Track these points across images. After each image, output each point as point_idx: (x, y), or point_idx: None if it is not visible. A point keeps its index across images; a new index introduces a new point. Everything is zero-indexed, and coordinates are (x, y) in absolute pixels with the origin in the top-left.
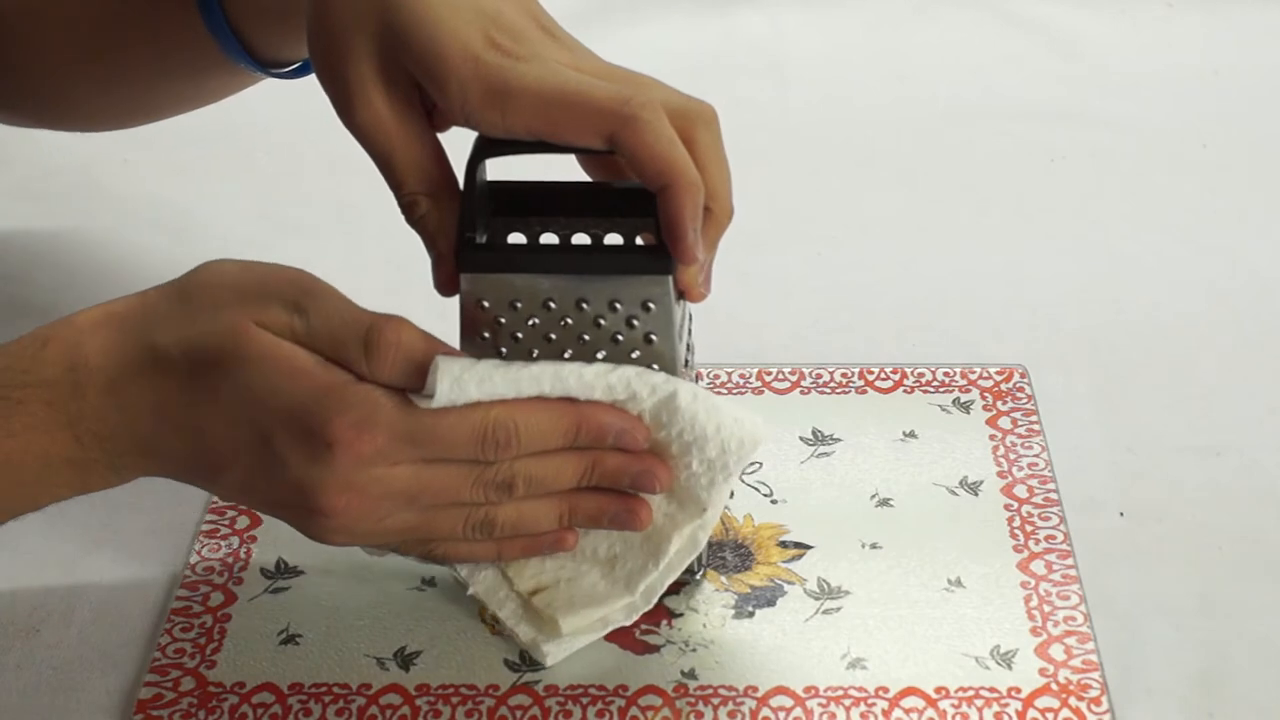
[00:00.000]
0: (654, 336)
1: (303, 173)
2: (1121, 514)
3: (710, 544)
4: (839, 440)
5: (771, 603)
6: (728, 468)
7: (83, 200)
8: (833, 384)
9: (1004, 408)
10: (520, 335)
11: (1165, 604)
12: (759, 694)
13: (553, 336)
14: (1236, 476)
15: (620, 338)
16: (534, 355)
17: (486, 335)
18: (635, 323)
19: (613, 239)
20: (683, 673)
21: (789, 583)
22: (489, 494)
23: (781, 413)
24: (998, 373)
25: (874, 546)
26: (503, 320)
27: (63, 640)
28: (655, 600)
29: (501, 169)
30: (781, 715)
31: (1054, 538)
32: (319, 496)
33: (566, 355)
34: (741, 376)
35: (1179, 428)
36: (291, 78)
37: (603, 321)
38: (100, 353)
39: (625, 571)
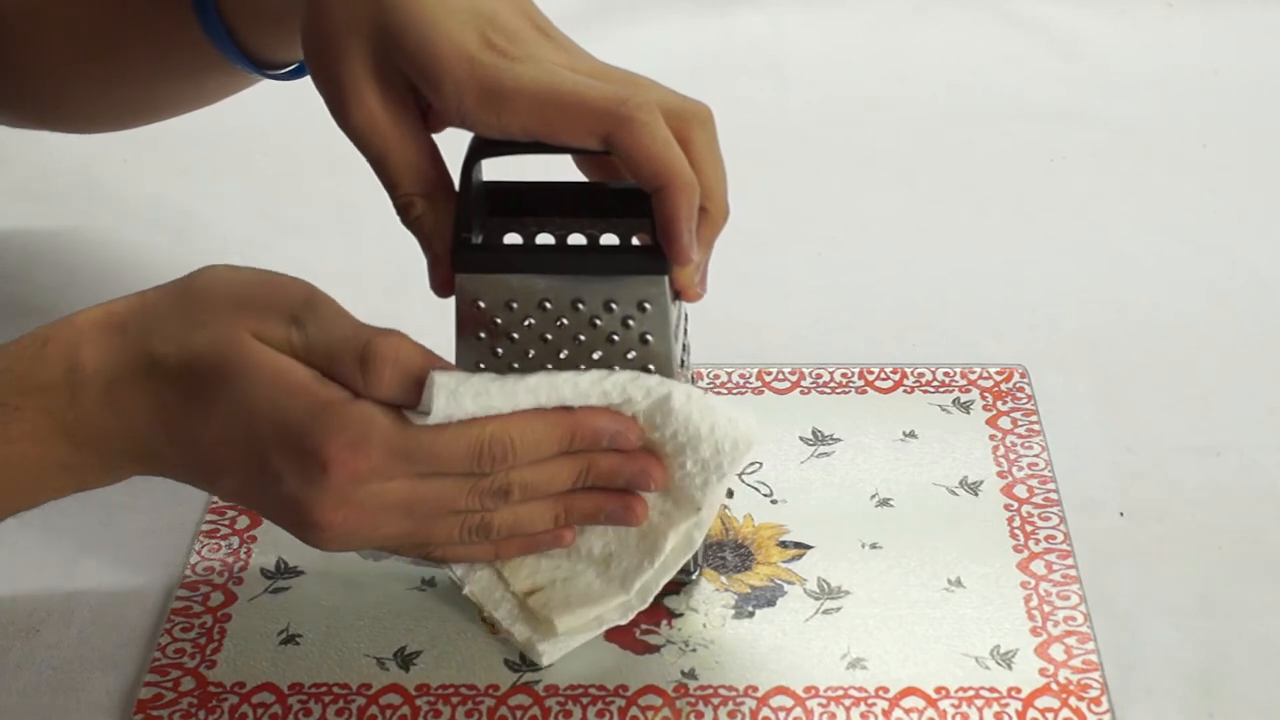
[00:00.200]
0: (650, 336)
1: (303, 173)
2: (1121, 514)
3: (710, 544)
4: (839, 440)
5: (771, 603)
6: (721, 468)
7: (83, 200)
8: (833, 384)
9: (1004, 408)
10: (516, 335)
11: (1165, 604)
12: (759, 694)
13: (549, 337)
14: (1236, 476)
15: (616, 338)
16: (530, 356)
17: (483, 335)
18: (631, 323)
19: (609, 239)
20: (683, 673)
21: (789, 583)
22: (485, 502)
23: (781, 413)
24: (998, 373)
25: (874, 546)
26: (499, 320)
27: (63, 640)
28: (650, 599)
29: (497, 169)
30: (781, 715)
31: (1054, 538)
32: (314, 512)
33: (563, 355)
34: (741, 376)
35: (1179, 428)
36: (288, 79)
37: (599, 322)
38: (98, 356)
39: (620, 570)
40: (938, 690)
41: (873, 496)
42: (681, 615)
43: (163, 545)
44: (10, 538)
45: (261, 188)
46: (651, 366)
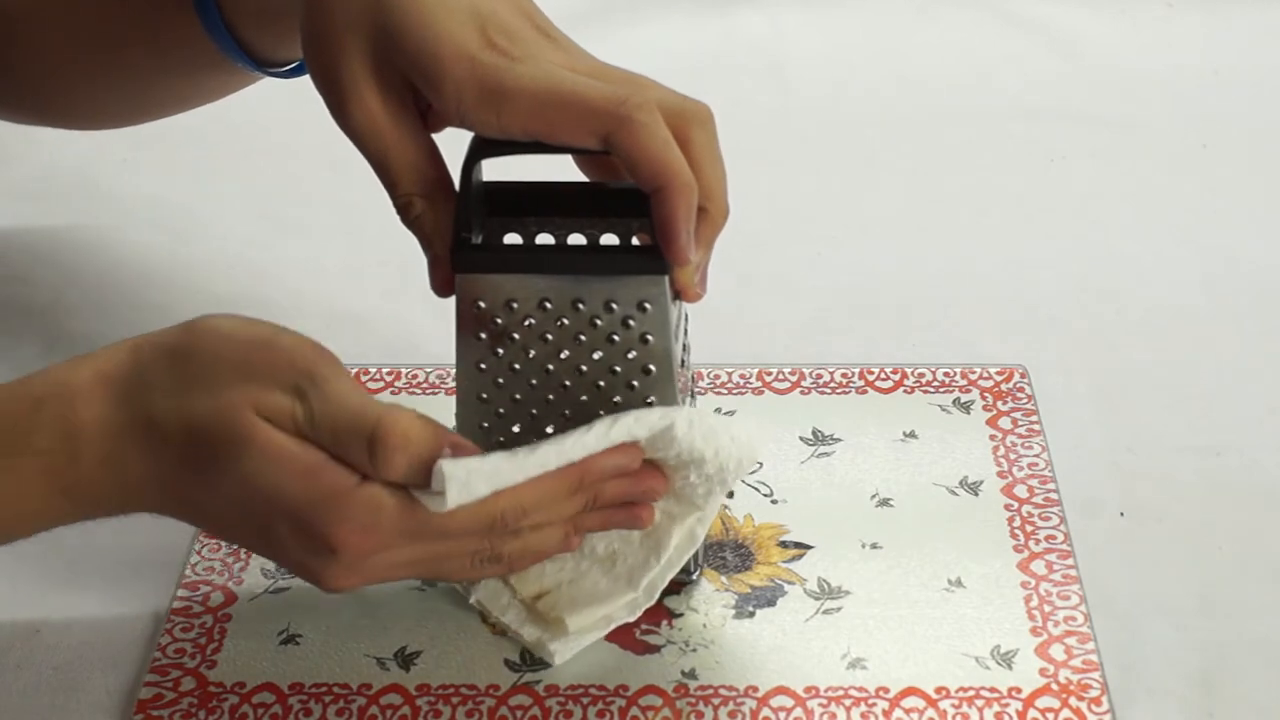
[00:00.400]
0: (650, 336)
1: (303, 173)
2: (1121, 514)
3: (710, 544)
4: (839, 440)
5: (771, 603)
6: (725, 481)
7: (83, 200)
8: (833, 384)
9: (1004, 408)
10: (516, 335)
11: (1165, 604)
12: (759, 694)
13: (549, 337)
14: (1236, 476)
15: (616, 338)
16: (530, 355)
17: (483, 335)
18: (631, 323)
19: (609, 239)
20: (683, 673)
21: (789, 583)
22: (494, 544)
23: (781, 413)
24: (998, 373)
25: (874, 546)
26: (499, 320)
27: (63, 640)
28: (657, 596)
29: (497, 169)
30: (781, 715)
31: (1054, 538)
32: (323, 579)
33: (563, 355)
34: (741, 377)
35: (1179, 428)
36: (289, 77)
37: (599, 322)
38: (97, 421)
39: (626, 568)
40: (938, 690)
41: (873, 496)
42: (682, 615)
43: (163, 545)
44: None
45: (261, 188)
46: (652, 367)
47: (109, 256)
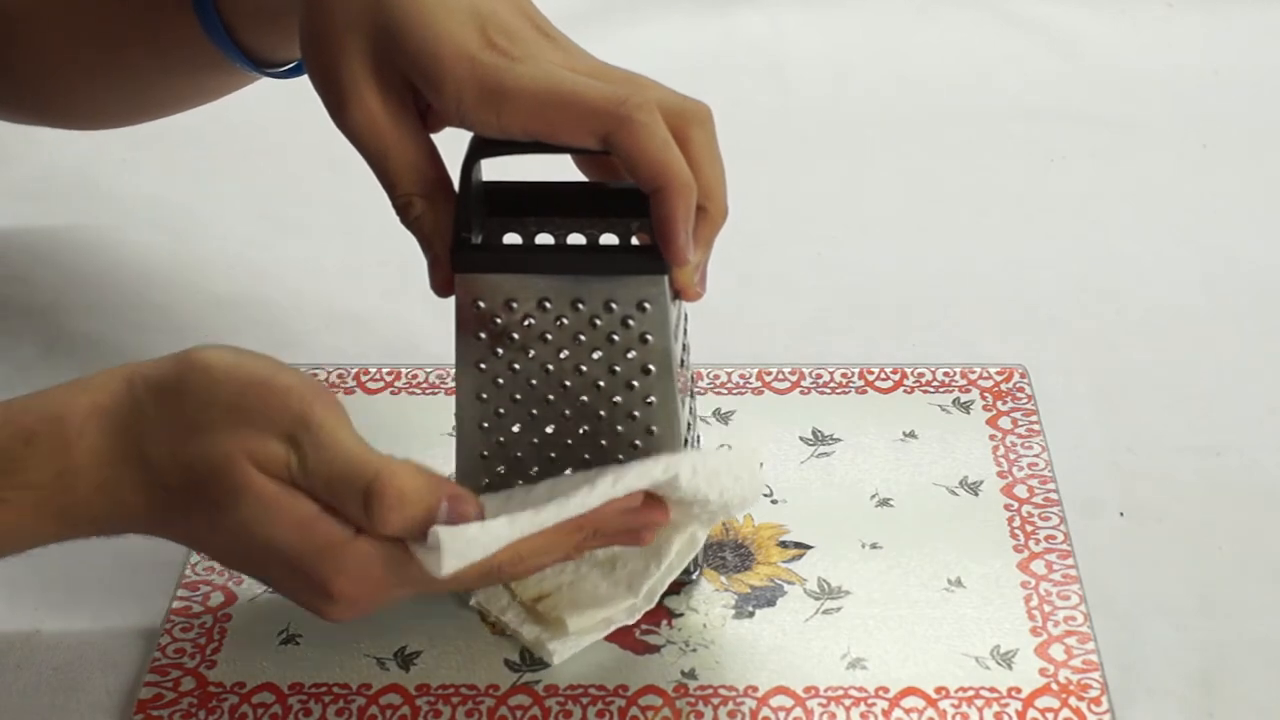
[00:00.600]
0: (650, 336)
1: (303, 173)
2: (1121, 514)
3: (710, 544)
4: (839, 440)
5: (771, 603)
6: (729, 513)
7: (82, 200)
8: (833, 384)
9: (1004, 408)
10: (516, 335)
11: (1165, 604)
12: (759, 694)
13: (549, 337)
14: (1236, 476)
15: (616, 337)
16: (530, 355)
17: (483, 335)
18: (631, 323)
19: (608, 239)
20: (683, 673)
21: (789, 583)
22: (485, 585)
23: (781, 413)
24: (998, 373)
25: (874, 546)
26: (499, 320)
27: (63, 640)
28: (656, 600)
29: (497, 169)
30: (781, 715)
31: (1054, 538)
32: (322, 614)
33: (563, 355)
34: (741, 377)
35: (1179, 428)
36: (288, 77)
37: (599, 321)
38: (91, 453)
39: (626, 573)
40: (938, 690)
41: (873, 496)
42: (681, 615)
43: (164, 545)
44: None
45: (261, 187)
46: (651, 366)
47: (109, 256)
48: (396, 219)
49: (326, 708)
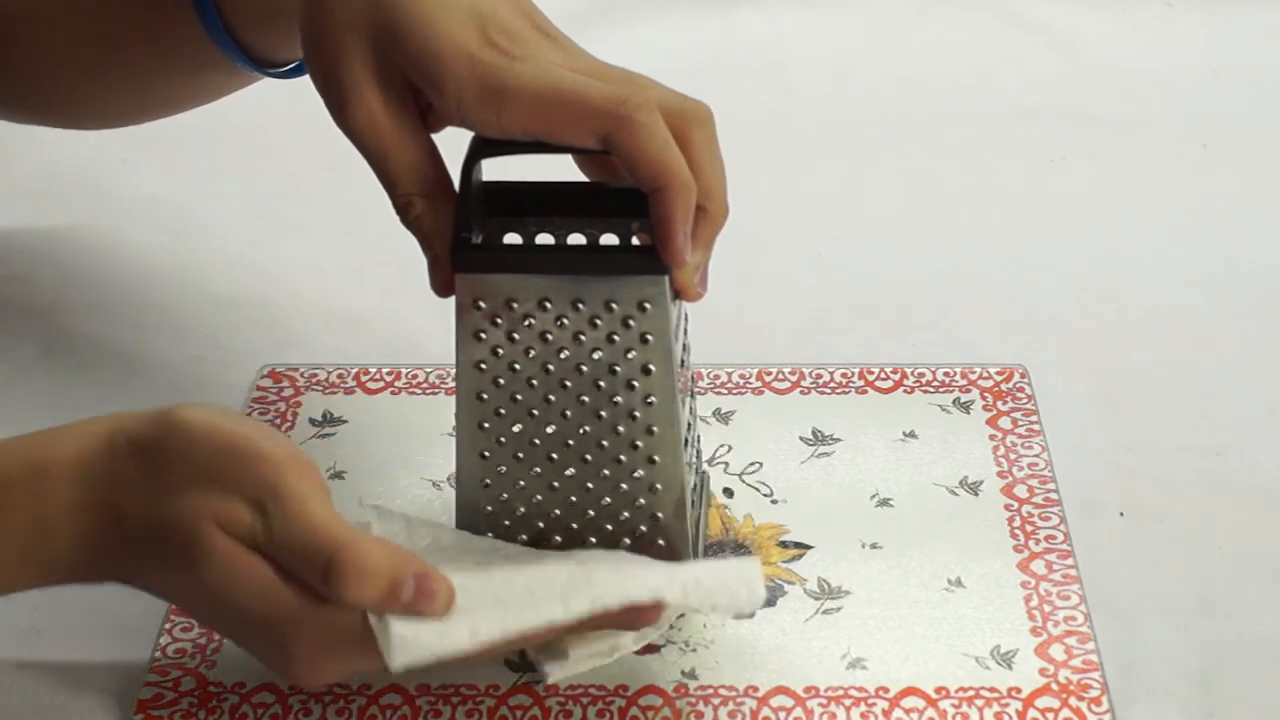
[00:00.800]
0: (650, 336)
1: (303, 173)
2: (1121, 514)
3: (710, 544)
4: (839, 440)
5: (771, 603)
6: (723, 617)
7: (82, 200)
8: (833, 384)
9: (1004, 408)
10: (516, 335)
11: (1165, 604)
12: (759, 694)
13: (549, 336)
14: (1236, 476)
15: (616, 338)
16: (530, 355)
17: (483, 335)
18: (631, 323)
19: (609, 239)
20: (683, 673)
21: (789, 583)
22: None
23: (781, 413)
24: (998, 373)
25: (874, 546)
26: (499, 320)
27: (63, 640)
28: (664, 628)
29: (497, 169)
30: (781, 715)
31: (1054, 538)
32: (292, 680)
33: (563, 355)
34: (741, 376)
35: (1179, 428)
36: (288, 77)
37: (599, 321)
38: (67, 505)
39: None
40: (938, 690)
41: (873, 496)
42: (682, 615)
43: None
44: None
45: (261, 187)
46: (652, 366)
47: (109, 256)
48: (396, 219)
49: (327, 708)
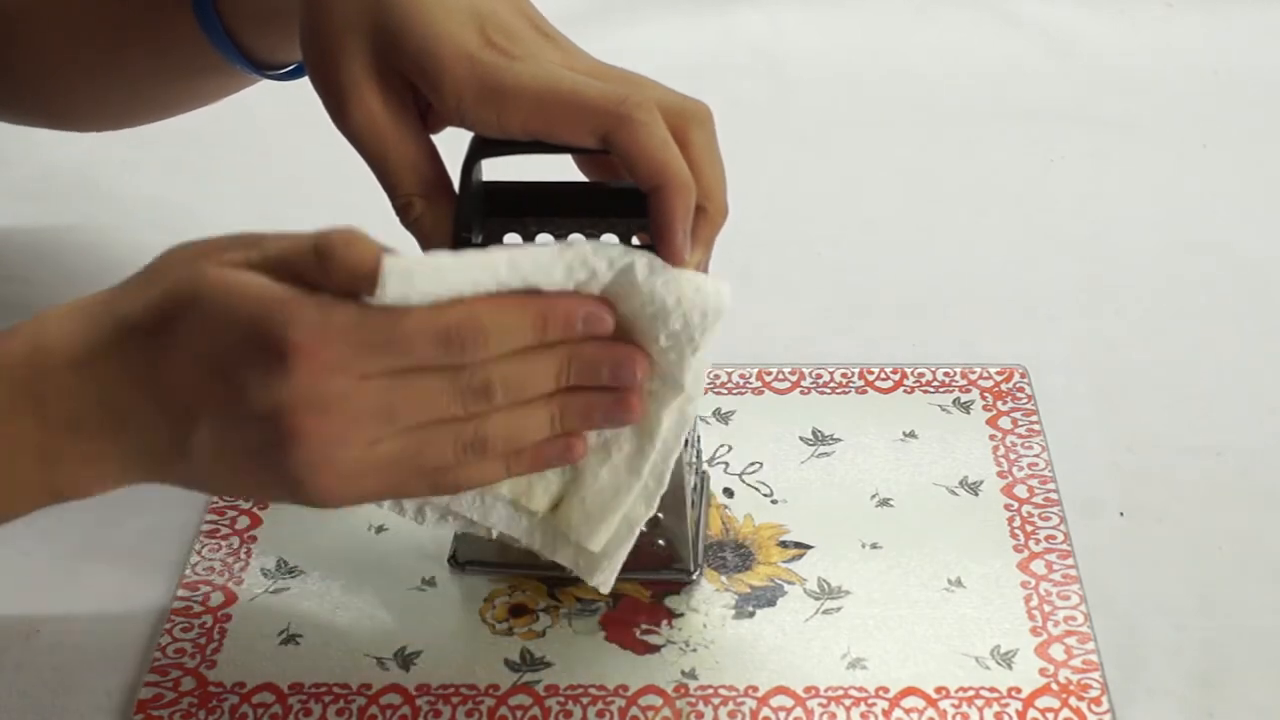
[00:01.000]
0: None
1: (303, 173)
2: (1121, 514)
3: (710, 544)
4: (839, 440)
5: (771, 603)
6: (694, 340)
7: (82, 200)
8: (833, 384)
9: (1004, 408)
10: None
11: (1165, 604)
12: (759, 694)
13: None
14: (1236, 476)
15: None
16: None
17: None
18: None
19: (609, 239)
20: (683, 673)
21: (789, 583)
22: (468, 403)
23: (781, 413)
24: (998, 373)
25: (874, 546)
26: None
27: (63, 640)
28: (666, 482)
29: (497, 169)
30: (781, 715)
31: (1054, 538)
32: (286, 419)
33: None
34: (741, 377)
35: (1179, 428)
36: (288, 79)
37: None
38: (64, 336)
39: (623, 456)
40: (938, 690)
41: (873, 496)
42: (681, 615)
43: (163, 545)
44: (11, 538)
45: (261, 187)
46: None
47: (109, 256)
48: (396, 219)
49: (326, 708)
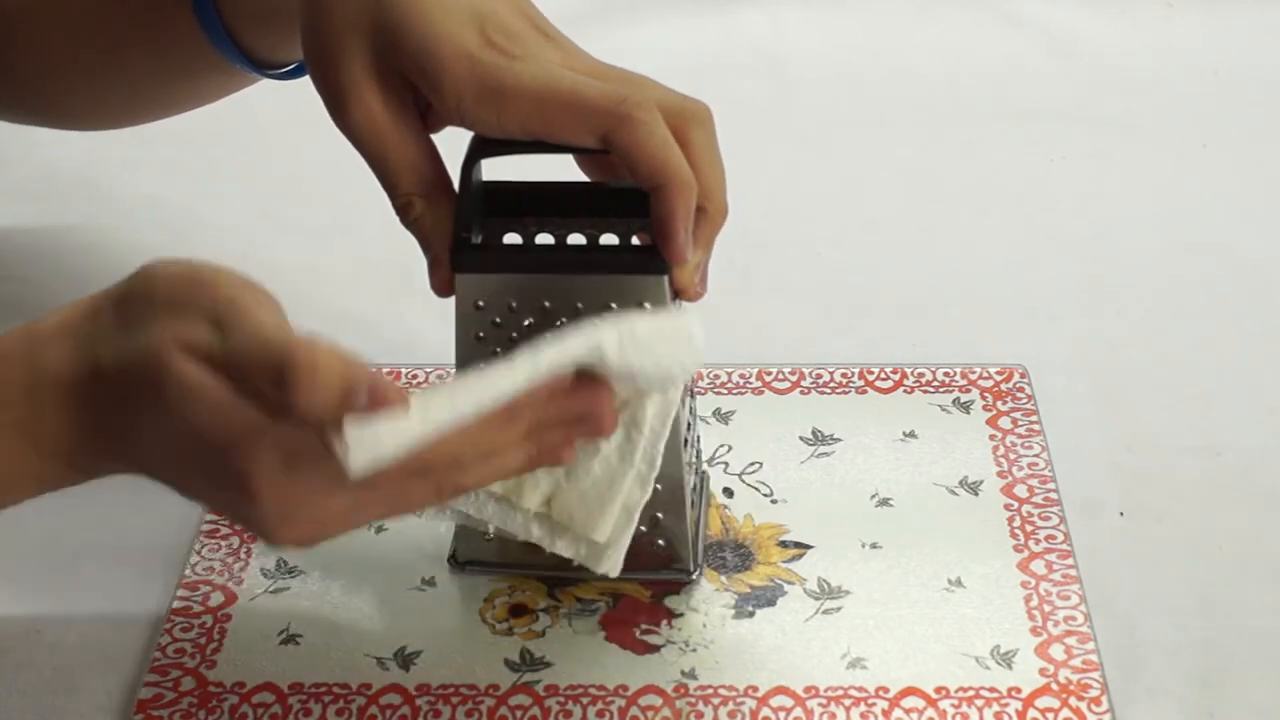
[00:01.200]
0: None
1: (303, 173)
2: (1121, 514)
3: (710, 544)
4: (839, 440)
5: (771, 603)
6: (675, 383)
7: (82, 200)
8: (833, 384)
9: (1004, 408)
10: (516, 335)
11: (1165, 604)
12: (759, 694)
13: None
14: (1236, 476)
15: None
16: None
17: (483, 335)
18: None
19: (608, 239)
20: (683, 673)
21: (789, 583)
22: (442, 481)
23: (781, 413)
24: (998, 373)
25: (874, 546)
26: (499, 320)
27: (63, 640)
28: (658, 465)
29: (497, 169)
30: (781, 715)
31: (1054, 538)
32: (264, 532)
33: None
34: (741, 376)
35: (1179, 428)
36: (288, 79)
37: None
38: (54, 371)
39: (613, 448)
40: (938, 690)
41: (873, 496)
42: (681, 615)
43: (163, 545)
44: (11, 537)
45: (261, 188)
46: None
47: (109, 256)
48: (396, 219)
49: (326, 708)
